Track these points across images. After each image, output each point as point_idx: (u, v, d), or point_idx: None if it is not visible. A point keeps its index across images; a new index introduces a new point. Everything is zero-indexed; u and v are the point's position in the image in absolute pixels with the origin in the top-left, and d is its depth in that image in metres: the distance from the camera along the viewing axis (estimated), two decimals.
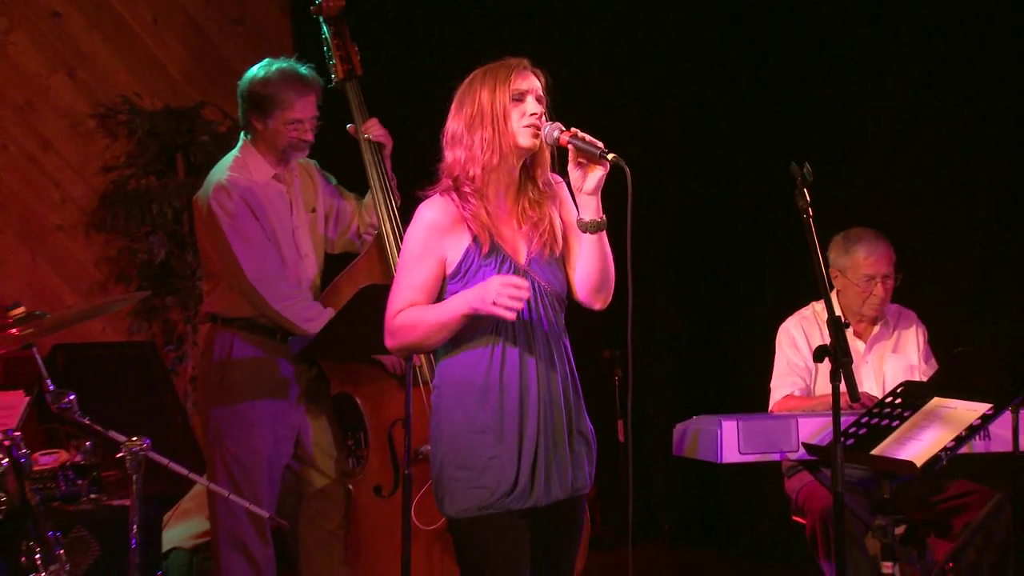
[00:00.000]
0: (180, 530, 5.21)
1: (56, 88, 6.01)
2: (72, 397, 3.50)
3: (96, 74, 6.12)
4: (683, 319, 6.55)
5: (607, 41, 6.32)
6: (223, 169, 4.46)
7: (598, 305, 3.39)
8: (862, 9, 5.88)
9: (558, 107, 3.35)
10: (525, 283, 3.15)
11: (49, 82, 5.99)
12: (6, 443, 3.15)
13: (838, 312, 3.67)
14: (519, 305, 3.11)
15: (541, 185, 3.36)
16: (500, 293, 3.09)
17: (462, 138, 3.29)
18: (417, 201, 3.33)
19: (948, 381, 4.05)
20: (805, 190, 3.49)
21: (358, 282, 4.45)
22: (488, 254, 3.26)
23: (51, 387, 3.51)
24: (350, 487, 4.66)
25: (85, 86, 6.09)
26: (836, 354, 3.45)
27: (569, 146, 3.22)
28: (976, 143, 5.65)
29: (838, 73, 6.00)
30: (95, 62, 6.12)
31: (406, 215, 3.43)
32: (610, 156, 3.16)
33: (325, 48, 4.71)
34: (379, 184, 4.63)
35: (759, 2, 6.17)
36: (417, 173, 3.41)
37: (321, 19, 4.72)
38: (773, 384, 4.81)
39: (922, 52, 5.75)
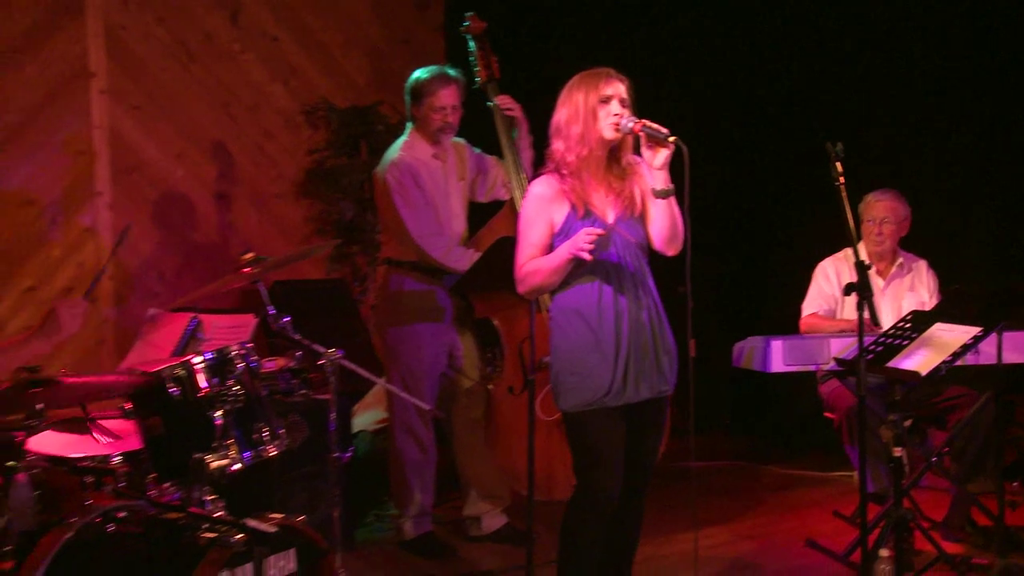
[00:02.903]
0: (365, 418, 5.29)
1: (275, 93, 6.07)
2: (287, 319, 3.56)
3: (303, 82, 6.17)
4: (744, 262, 6.49)
5: (680, 41, 6.24)
6: (395, 150, 4.49)
7: (671, 252, 3.39)
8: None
9: (641, 98, 3.33)
10: (599, 231, 3.16)
11: (270, 89, 6.05)
12: (242, 352, 3.20)
13: (863, 257, 3.59)
14: (591, 246, 3.12)
15: (624, 164, 3.36)
16: (581, 240, 3.13)
17: (561, 130, 3.32)
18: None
19: (947, 310, 3.98)
20: (837, 163, 3.42)
21: (496, 234, 4.45)
22: (583, 217, 3.29)
23: (272, 312, 3.57)
24: (489, 387, 4.69)
25: (295, 91, 6.14)
26: (861, 290, 3.39)
27: (641, 133, 3.21)
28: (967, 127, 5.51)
29: (863, 64, 5.86)
30: (303, 73, 6.17)
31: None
32: (672, 139, 3.17)
33: (471, 59, 4.70)
34: (511, 160, 4.62)
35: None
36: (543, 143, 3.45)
37: (468, 36, 4.71)
38: (804, 305, 4.81)
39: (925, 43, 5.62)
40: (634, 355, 3.29)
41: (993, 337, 3.93)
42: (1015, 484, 5.06)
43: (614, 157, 3.34)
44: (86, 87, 5.34)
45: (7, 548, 2.60)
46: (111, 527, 2.96)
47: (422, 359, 4.49)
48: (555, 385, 3.36)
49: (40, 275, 5.24)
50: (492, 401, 4.70)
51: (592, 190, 3.32)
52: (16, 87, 5.11)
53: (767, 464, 5.89)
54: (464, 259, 4.39)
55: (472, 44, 4.71)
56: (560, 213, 3.31)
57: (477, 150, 4.71)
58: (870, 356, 3.82)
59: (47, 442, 3.29)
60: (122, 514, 3.00)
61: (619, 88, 3.28)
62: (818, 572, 4.29)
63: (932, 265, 4.85)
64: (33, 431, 2.78)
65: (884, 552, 3.90)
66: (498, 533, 4.68)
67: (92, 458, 3.20)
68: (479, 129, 4.69)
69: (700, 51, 6.25)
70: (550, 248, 3.31)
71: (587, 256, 3.14)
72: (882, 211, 4.68)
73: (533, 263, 3.31)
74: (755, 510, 5.15)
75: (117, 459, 3.19)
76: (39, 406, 2.75)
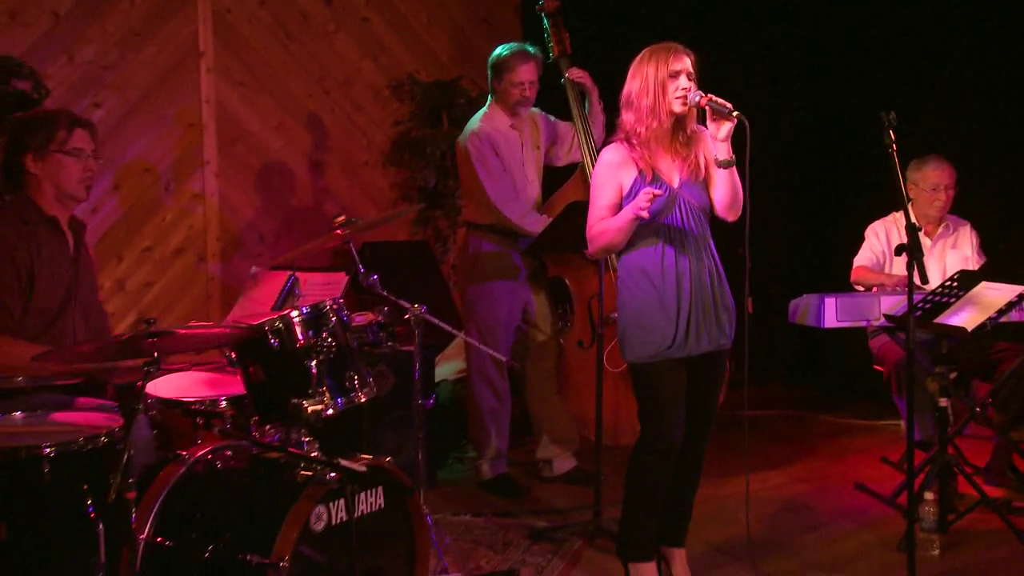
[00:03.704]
0: (446, 368, 5.32)
1: (365, 69, 6.08)
2: (375, 277, 3.56)
3: (391, 59, 6.17)
4: (799, 225, 6.40)
5: (743, 16, 6.12)
6: (475, 121, 4.49)
7: (731, 218, 3.35)
8: None
9: (709, 73, 3.28)
10: (657, 191, 3.13)
11: (360, 65, 6.06)
12: (334, 307, 3.21)
13: (913, 219, 3.50)
14: (648, 206, 3.10)
15: (689, 132, 3.31)
16: (641, 200, 3.11)
17: (632, 103, 3.28)
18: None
19: (993, 270, 3.89)
20: (891, 131, 3.32)
21: (567, 199, 4.43)
22: (651, 181, 3.25)
23: (362, 270, 3.59)
24: (560, 341, 4.70)
25: (384, 67, 6.15)
26: (912, 250, 3.30)
27: (706, 107, 3.16)
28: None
29: (914, 34, 5.73)
30: (390, 51, 6.17)
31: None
32: (735, 114, 3.12)
33: (545, 35, 4.67)
34: (581, 127, 4.59)
35: None
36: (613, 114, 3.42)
37: (543, 14, 4.67)
38: (855, 259, 4.72)
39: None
40: (695, 311, 3.27)
41: None
42: None
43: (680, 126, 3.30)
44: (196, 66, 5.41)
45: (131, 480, 2.67)
46: (219, 463, 3.02)
47: (498, 314, 4.51)
48: (622, 338, 3.35)
49: (156, 236, 5.35)
50: (563, 353, 4.70)
51: (659, 157, 3.29)
52: (136, 67, 5.20)
53: (820, 413, 5.84)
54: (538, 223, 4.38)
55: (546, 22, 4.68)
56: (628, 178, 3.28)
57: (552, 118, 4.68)
58: (919, 313, 3.76)
59: (163, 386, 3.37)
60: (228, 452, 3.05)
61: (686, 63, 3.23)
62: (866, 513, 4.25)
63: (977, 227, 4.73)
64: (151, 377, 2.84)
65: (929, 495, 3.87)
66: (568, 474, 4.70)
67: (202, 401, 3.27)
68: (553, 100, 4.66)
69: (763, 25, 6.14)
70: (618, 210, 3.29)
71: (645, 214, 3.11)
72: (946, 178, 4.54)
73: (601, 224, 3.29)
74: (808, 456, 5.11)
75: (224, 403, 3.24)
76: (155, 354, 2.81)
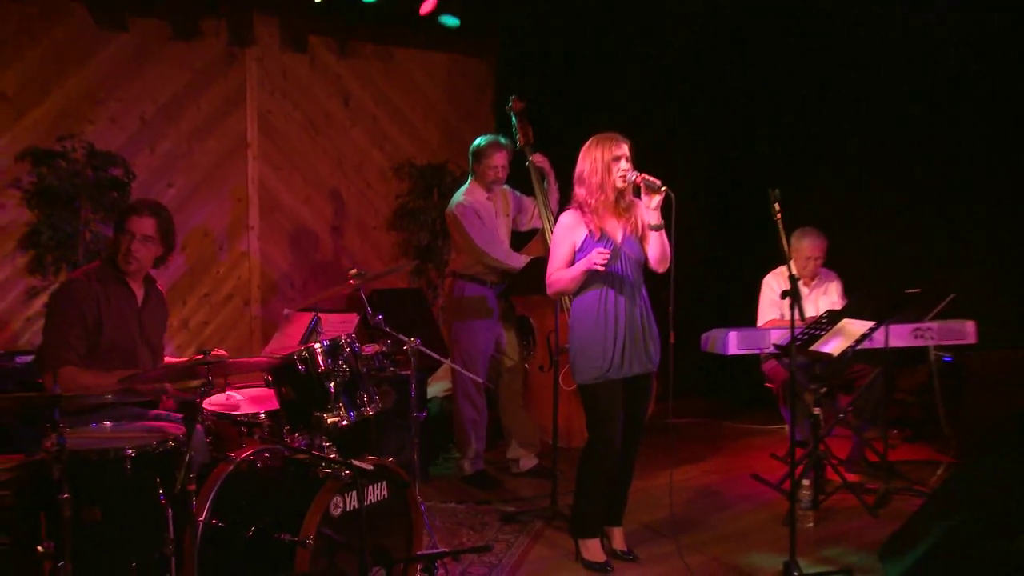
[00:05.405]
0: (435, 388, 5.31)
1: (374, 156, 6.13)
2: (380, 317, 3.59)
3: (393, 148, 6.22)
4: (709, 274, 6.45)
5: (670, 105, 6.22)
6: (460, 195, 4.53)
7: (661, 270, 3.40)
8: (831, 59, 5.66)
9: (640, 152, 3.36)
10: (608, 252, 3.19)
11: (370, 153, 6.11)
12: (348, 340, 3.22)
13: (794, 272, 3.59)
14: (603, 262, 3.15)
15: (627, 201, 3.37)
16: (595, 258, 3.17)
17: (584, 180, 3.32)
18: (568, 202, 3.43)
19: (853, 309, 3.97)
20: (776, 204, 3.40)
21: (531, 254, 4.47)
22: (599, 239, 3.30)
23: (370, 312, 3.60)
24: (526, 366, 4.71)
25: (388, 154, 6.19)
26: (793, 296, 3.38)
27: (641, 183, 3.22)
28: (892, 165, 5.46)
29: (802, 131, 5.83)
30: (393, 141, 6.22)
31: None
32: (663, 189, 3.17)
33: (513, 129, 4.72)
34: (541, 201, 4.64)
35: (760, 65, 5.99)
36: (566, 186, 3.50)
37: (512, 113, 4.73)
38: (760, 313, 4.73)
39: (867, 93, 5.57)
40: (628, 342, 3.32)
41: (883, 328, 3.97)
42: (895, 432, 5.07)
43: (621, 196, 3.36)
44: (244, 154, 5.46)
45: (192, 475, 2.69)
46: (259, 463, 3.04)
47: (477, 345, 4.52)
48: (572, 364, 3.39)
49: (212, 285, 5.36)
50: (527, 376, 4.72)
51: (606, 220, 3.34)
52: (200, 155, 5.27)
53: (725, 420, 5.87)
54: (520, 260, 4.40)
55: (514, 118, 4.73)
56: (580, 236, 3.33)
57: (518, 193, 4.75)
58: (799, 343, 3.83)
59: (215, 403, 3.38)
60: (266, 454, 3.07)
61: (624, 148, 3.30)
62: (761, 496, 4.29)
63: (844, 275, 4.82)
64: (206, 395, 2.86)
65: (806, 482, 3.93)
66: (532, 471, 4.70)
67: (246, 415, 3.29)
68: (519, 178, 4.72)
69: (684, 121, 6.25)
70: (572, 262, 3.35)
71: (600, 268, 3.18)
72: (817, 252, 4.61)
73: (558, 272, 3.35)
74: (716, 453, 5.14)
75: (263, 416, 3.26)
76: (210, 377, 2.83)
